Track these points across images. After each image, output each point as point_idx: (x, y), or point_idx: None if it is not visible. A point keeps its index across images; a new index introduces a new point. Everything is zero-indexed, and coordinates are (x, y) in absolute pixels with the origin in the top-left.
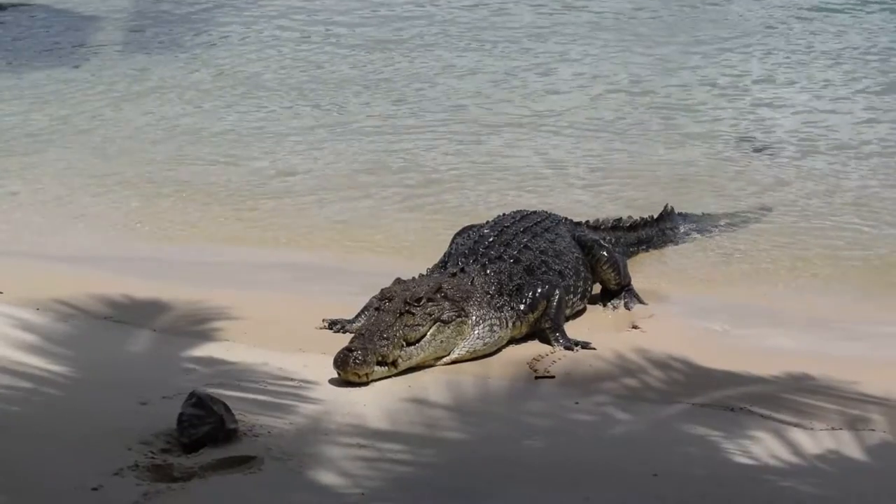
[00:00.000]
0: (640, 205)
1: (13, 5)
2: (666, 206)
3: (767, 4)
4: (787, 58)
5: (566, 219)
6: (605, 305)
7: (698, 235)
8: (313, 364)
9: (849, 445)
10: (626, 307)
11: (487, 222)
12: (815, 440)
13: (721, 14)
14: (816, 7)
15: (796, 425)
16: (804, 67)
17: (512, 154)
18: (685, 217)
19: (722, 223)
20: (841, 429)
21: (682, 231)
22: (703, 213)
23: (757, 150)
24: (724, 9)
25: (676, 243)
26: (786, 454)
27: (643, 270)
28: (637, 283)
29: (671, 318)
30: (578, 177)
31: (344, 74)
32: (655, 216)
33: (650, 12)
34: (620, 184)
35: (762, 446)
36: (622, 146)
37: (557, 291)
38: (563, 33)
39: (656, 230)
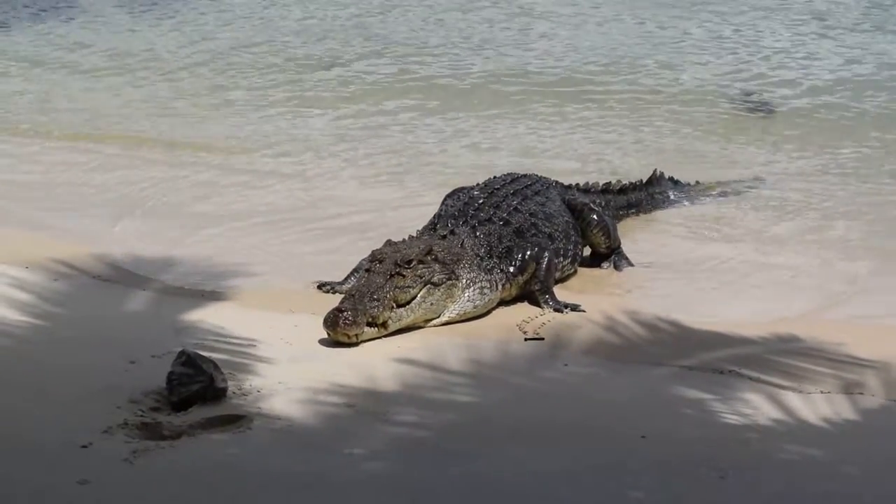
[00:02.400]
0: (634, 169)
1: None
2: (655, 172)
3: None
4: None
5: (557, 182)
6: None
7: (687, 203)
8: (303, 324)
9: (837, 407)
10: (616, 268)
11: (477, 184)
12: (804, 402)
13: None
14: None
15: (786, 388)
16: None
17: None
18: (676, 184)
19: (715, 192)
20: (830, 392)
21: (671, 197)
22: (696, 182)
23: (756, 110)
24: None
25: (665, 208)
26: (775, 416)
27: (632, 234)
28: (626, 246)
29: (660, 281)
30: (572, 147)
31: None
32: (645, 180)
33: None
34: (616, 147)
35: (751, 408)
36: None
37: (547, 254)
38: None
39: (645, 194)
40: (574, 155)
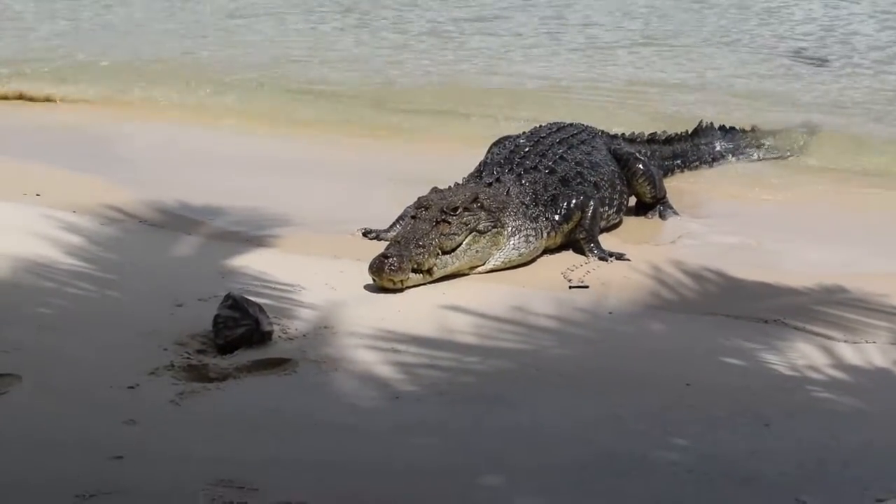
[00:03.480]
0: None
1: None
2: (700, 123)
3: None
4: None
5: (602, 132)
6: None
7: (733, 159)
8: (348, 270)
9: (886, 358)
10: (662, 217)
11: (524, 133)
12: (851, 353)
13: None
14: None
15: (830, 338)
16: None
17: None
18: (729, 131)
19: (767, 142)
20: (875, 342)
21: (717, 148)
22: (751, 128)
23: (813, 63)
24: None
25: (711, 164)
26: (820, 365)
27: (678, 184)
28: (674, 196)
29: (705, 232)
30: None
31: None
32: (690, 131)
33: None
34: (670, 97)
35: (797, 358)
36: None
37: (592, 202)
38: None
39: (691, 145)
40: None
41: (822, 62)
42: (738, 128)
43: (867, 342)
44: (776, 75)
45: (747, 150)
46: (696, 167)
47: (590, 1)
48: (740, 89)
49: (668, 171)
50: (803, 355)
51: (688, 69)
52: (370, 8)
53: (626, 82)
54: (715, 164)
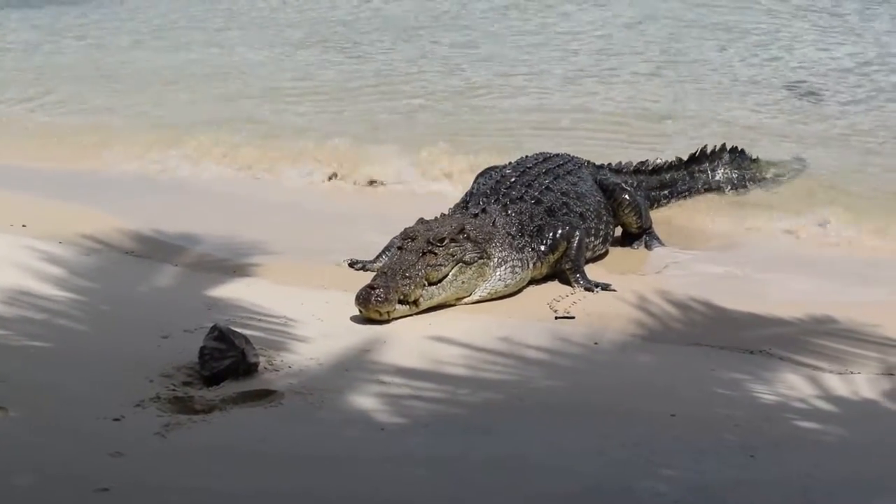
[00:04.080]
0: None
1: None
2: (704, 148)
3: None
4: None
5: (589, 162)
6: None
7: (730, 191)
8: (335, 301)
9: (871, 389)
10: (648, 247)
11: (510, 163)
12: (836, 383)
13: None
14: None
15: (816, 368)
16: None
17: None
18: (739, 154)
19: (770, 174)
20: (861, 372)
21: (717, 178)
22: (755, 158)
23: (804, 95)
24: None
25: (702, 193)
26: (805, 396)
27: (665, 215)
28: (660, 226)
29: (691, 262)
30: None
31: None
32: (686, 158)
33: None
34: (667, 129)
35: (782, 388)
36: (668, 91)
37: (578, 233)
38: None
39: (683, 174)
40: None
41: (813, 97)
42: (748, 154)
43: (853, 372)
44: (769, 109)
45: (749, 182)
46: (686, 197)
47: (577, 32)
48: (732, 122)
49: (655, 202)
50: (789, 385)
51: (675, 99)
52: (329, 35)
53: (605, 113)
54: (708, 193)
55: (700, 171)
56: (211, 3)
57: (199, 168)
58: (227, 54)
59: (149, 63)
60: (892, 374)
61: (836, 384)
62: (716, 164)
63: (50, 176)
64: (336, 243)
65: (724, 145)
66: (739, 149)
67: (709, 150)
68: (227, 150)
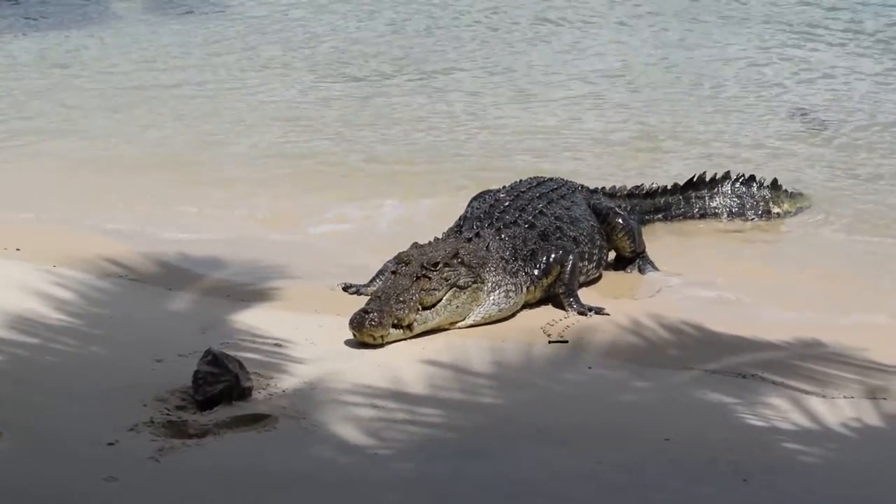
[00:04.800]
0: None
1: None
2: (692, 177)
3: None
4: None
5: (583, 186)
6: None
7: (726, 218)
8: (329, 325)
9: (862, 413)
10: (641, 271)
11: (504, 187)
12: (827, 407)
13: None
14: None
15: (808, 392)
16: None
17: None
18: (737, 188)
19: (777, 209)
20: (853, 397)
21: (713, 204)
22: (760, 185)
23: (810, 125)
24: None
25: (700, 216)
26: (798, 420)
27: (659, 238)
28: (653, 251)
29: (684, 286)
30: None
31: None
32: (682, 184)
33: None
34: (669, 156)
35: (774, 412)
36: (673, 117)
37: (571, 257)
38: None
39: (678, 198)
40: None
41: (820, 124)
42: (757, 179)
43: (843, 396)
44: (772, 136)
45: (750, 211)
46: (681, 219)
47: (579, 52)
48: (731, 145)
49: (647, 224)
50: (781, 410)
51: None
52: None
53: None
54: (703, 219)
55: (697, 197)
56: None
57: None
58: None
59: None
60: (879, 398)
61: (826, 408)
62: (714, 190)
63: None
64: (329, 267)
65: (727, 173)
66: (747, 176)
67: (707, 178)
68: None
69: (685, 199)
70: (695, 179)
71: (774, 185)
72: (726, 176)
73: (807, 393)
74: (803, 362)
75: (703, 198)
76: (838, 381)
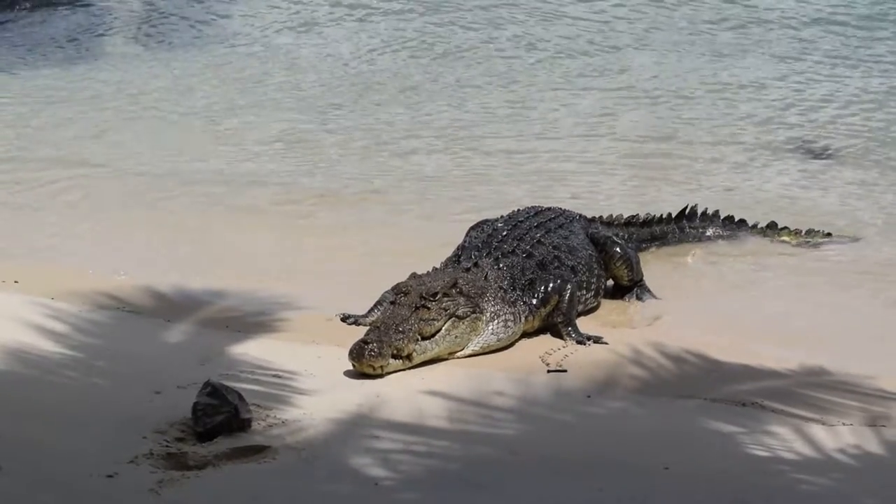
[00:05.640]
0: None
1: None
2: (686, 207)
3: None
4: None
5: (580, 215)
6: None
7: (723, 242)
8: (328, 356)
9: (865, 441)
10: (639, 299)
11: (501, 217)
12: (829, 435)
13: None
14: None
15: (809, 420)
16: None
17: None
18: (714, 221)
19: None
20: (853, 424)
21: (708, 234)
22: (754, 227)
23: (814, 156)
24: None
25: (695, 243)
26: (799, 448)
27: (659, 266)
28: (652, 279)
29: (683, 313)
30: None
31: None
32: (675, 214)
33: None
34: (671, 190)
35: (775, 441)
36: (672, 149)
37: (569, 286)
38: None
39: (673, 227)
40: None
41: (822, 153)
42: (747, 223)
43: (844, 424)
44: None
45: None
46: (677, 246)
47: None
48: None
49: (644, 251)
50: (781, 438)
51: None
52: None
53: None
54: (699, 244)
55: (691, 227)
56: None
57: None
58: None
59: None
60: (882, 426)
61: (827, 436)
62: (706, 223)
63: None
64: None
65: (717, 212)
66: (737, 219)
67: (699, 211)
68: None
69: (679, 229)
70: (686, 211)
71: (771, 226)
72: (716, 214)
73: (806, 420)
74: (804, 390)
75: (696, 228)
76: (839, 408)
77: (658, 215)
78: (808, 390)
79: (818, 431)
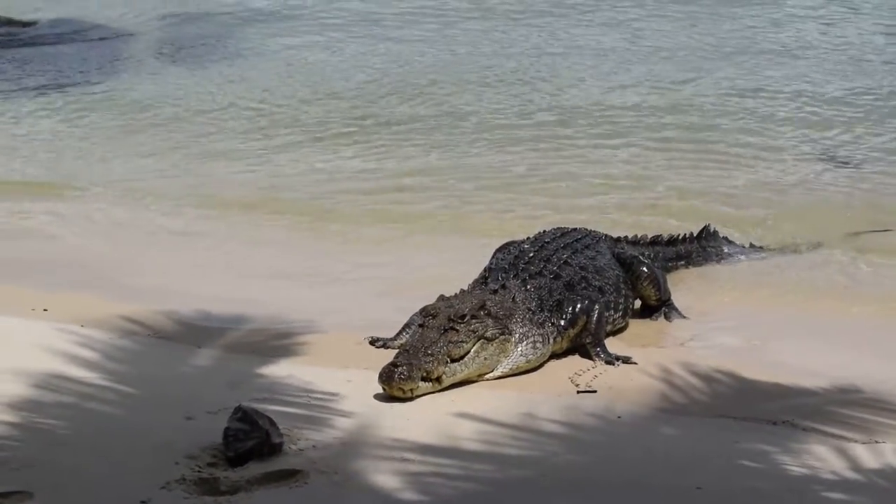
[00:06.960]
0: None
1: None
2: (707, 227)
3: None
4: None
5: (606, 235)
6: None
7: (744, 258)
8: (357, 379)
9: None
10: (667, 318)
11: (528, 238)
12: (861, 453)
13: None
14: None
15: (841, 438)
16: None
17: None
18: (731, 242)
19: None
20: (884, 442)
21: (726, 250)
22: (751, 245)
23: (838, 165)
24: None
25: (718, 262)
26: (830, 467)
27: (684, 283)
28: (679, 298)
29: (712, 332)
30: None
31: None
32: (696, 233)
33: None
34: (694, 201)
35: (806, 459)
36: (693, 162)
37: (597, 307)
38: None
39: (696, 246)
40: None
41: (845, 163)
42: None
43: (879, 442)
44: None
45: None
46: (702, 265)
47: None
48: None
49: (670, 271)
50: (814, 456)
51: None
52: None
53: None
54: (723, 262)
55: (711, 247)
56: None
57: None
58: None
59: None
60: None
61: (862, 454)
62: (718, 241)
63: None
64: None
65: (715, 231)
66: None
67: (710, 230)
68: None
69: (702, 248)
70: (711, 230)
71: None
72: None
73: (840, 438)
74: (837, 407)
75: (717, 247)
76: (872, 425)
77: (683, 234)
78: (839, 407)
79: (854, 449)
